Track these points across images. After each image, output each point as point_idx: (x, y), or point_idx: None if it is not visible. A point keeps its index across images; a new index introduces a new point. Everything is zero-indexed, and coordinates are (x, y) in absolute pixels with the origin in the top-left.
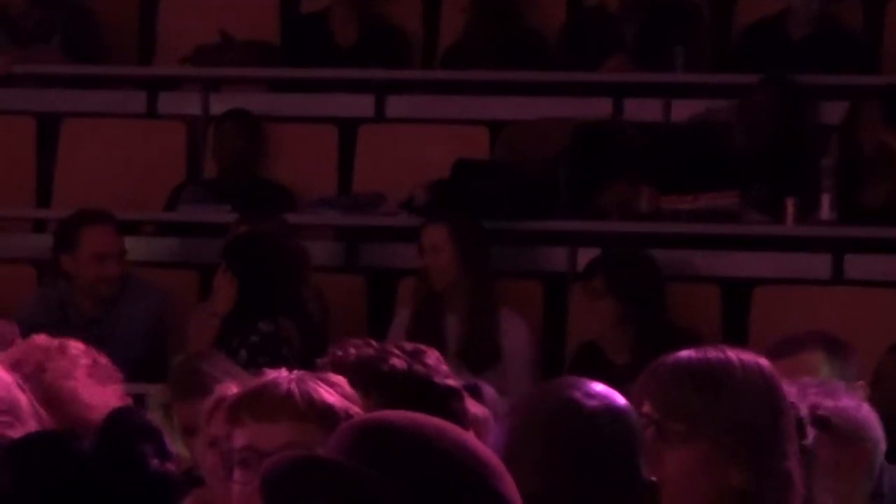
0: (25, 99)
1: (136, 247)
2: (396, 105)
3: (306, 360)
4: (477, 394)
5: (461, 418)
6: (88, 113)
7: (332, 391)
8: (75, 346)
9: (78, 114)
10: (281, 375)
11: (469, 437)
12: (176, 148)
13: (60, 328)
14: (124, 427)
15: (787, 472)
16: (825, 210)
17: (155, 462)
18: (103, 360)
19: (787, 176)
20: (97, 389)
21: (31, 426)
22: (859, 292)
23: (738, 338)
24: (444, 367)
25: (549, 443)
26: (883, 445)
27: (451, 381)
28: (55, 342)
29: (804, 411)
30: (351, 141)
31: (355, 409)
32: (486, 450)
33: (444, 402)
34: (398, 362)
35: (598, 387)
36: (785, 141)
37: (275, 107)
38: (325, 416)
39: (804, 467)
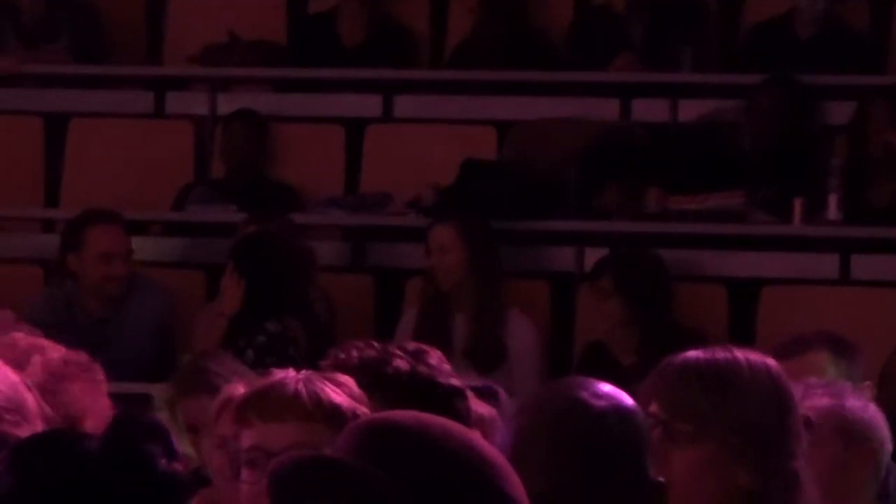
0: (33, 99)
1: (144, 247)
2: (404, 105)
3: (313, 361)
4: (493, 396)
5: (465, 418)
6: (96, 113)
7: (340, 391)
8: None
9: (85, 114)
10: (288, 375)
11: (475, 436)
12: (183, 148)
13: (67, 328)
14: (132, 427)
15: (795, 472)
16: (832, 210)
17: (163, 462)
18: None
19: (794, 176)
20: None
21: (38, 426)
22: (866, 292)
23: (745, 338)
24: (447, 367)
25: (556, 443)
26: (889, 445)
27: (454, 381)
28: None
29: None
30: (358, 141)
31: (363, 409)
32: (493, 450)
33: (449, 402)
34: (401, 363)
35: (606, 387)
36: (791, 141)
37: (282, 107)
38: (333, 416)
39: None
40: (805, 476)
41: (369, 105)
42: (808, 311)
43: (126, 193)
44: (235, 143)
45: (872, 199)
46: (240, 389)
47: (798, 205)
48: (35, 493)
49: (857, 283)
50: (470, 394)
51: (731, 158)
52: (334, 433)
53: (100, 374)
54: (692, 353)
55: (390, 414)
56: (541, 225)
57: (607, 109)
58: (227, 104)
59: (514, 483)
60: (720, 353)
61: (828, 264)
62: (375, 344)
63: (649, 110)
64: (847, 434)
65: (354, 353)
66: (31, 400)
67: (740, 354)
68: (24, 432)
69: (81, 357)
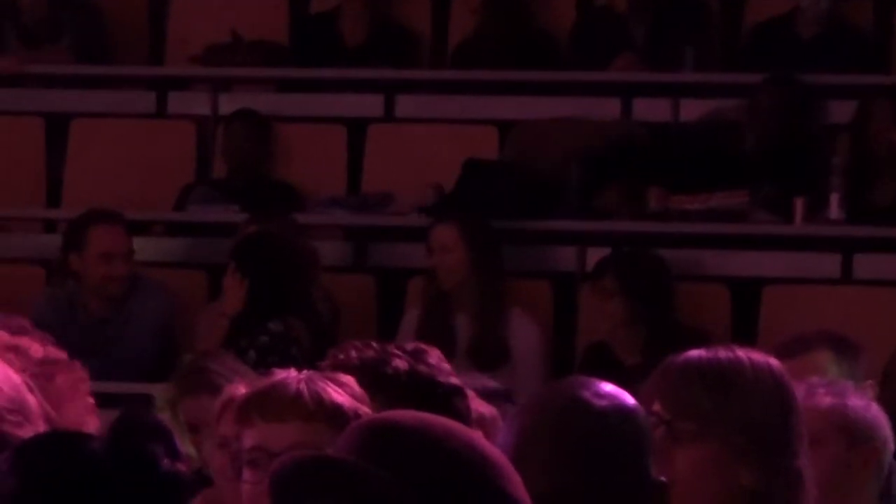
0: (35, 99)
1: (146, 247)
2: (405, 105)
3: (316, 361)
4: (510, 400)
5: (465, 416)
6: (97, 113)
7: (342, 391)
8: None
9: (87, 114)
10: (290, 375)
11: (477, 436)
12: (185, 148)
13: (69, 328)
14: (135, 427)
15: (798, 472)
16: (834, 209)
17: (166, 462)
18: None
19: (796, 175)
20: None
21: (41, 427)
22: (868, 292)
23: (747, 337)
24: (447, 366)
25: (557, 443)
26: (892, 445)
27: (454, 380)
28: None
29: None
30: (360, 141)
31: (364, 409)
32: (495, 450)
33: (448, 401)
34: (400, 363)
35: (608, 387)
36: (792, 140)
37: (284, 107)
38: (335, 416)
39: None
40: (808, 475)
41: (371, 105)
42: (810, 310)
43: (128, 193)
44: (237, 143)
45: (874, 199)
46: (242, 389)
47: (800, 204)
48: (38, 494)
49: (860, 283)
50: (471, 393)
51: (733, 158)
52: (336, 433)
53: (81, 373)
54: (694, 353)
55: (392, 414)
56: (542, 225)
57: (609, 109)
58: (228, 104)
59: (516, 483)
60: (723, 353)
61: (830, 264)
62: (374, 344)
63: (651, 110)
64: (849, 434)
65: (353, 354)
66: (32, 401)
67: (743, 354)
68: (26, 433)
69: (61, 355)
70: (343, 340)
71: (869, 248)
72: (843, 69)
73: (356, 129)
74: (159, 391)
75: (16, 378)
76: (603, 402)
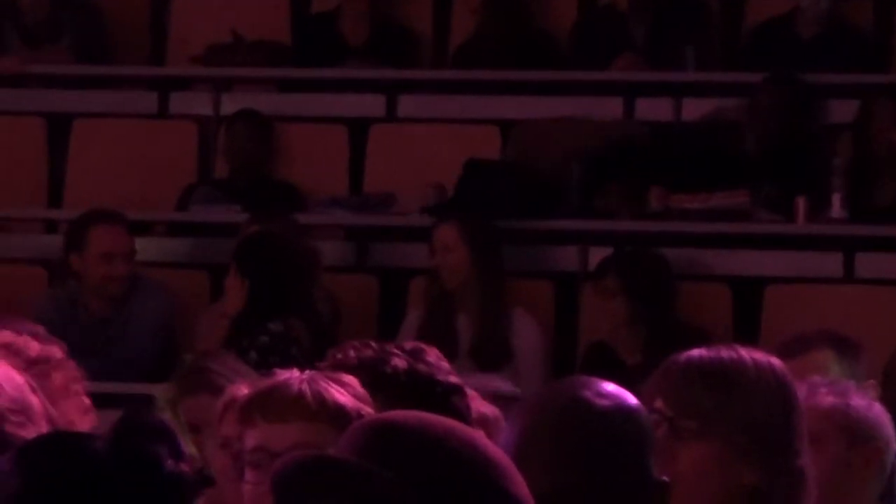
0: (36, 99)
1: (147, 247)
2: (407, 105)
3: (316, 361)
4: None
5: (465, 415)
6: (99, 113)
7: (344, 391)
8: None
9: (88, 114)
10: (292, 376)
11: (479, 436)
12: (187, 148)
13: (70, 328)
14: (138, 427)
15: (800, 470)
16: (836, 209)
17: (169, 463)
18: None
19: (798, 175)
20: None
21: (43, 427)
22: (870, 291)
23: (748, 337)
24: (446, 365)
25: (559, 442)
26: (894, 445)
27: (453, 379)
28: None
29: None
30: (362, 141)
31: (367, 410)
32: (497, 449)
33: (447, 400)
34: (399, 362)
35: (610, 386)
36: (793, 140)
37: (286, 107)
38: (337, 416)
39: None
40: (810, 474)
41: (373, 105)
42: (811, 310)
43: (129, 193)
44: (238, 143)
45: (876, 198)
46: (244, 390)
47: (802, 203)
48: (41, 494)
49: (861, 282)
50: (473, 393)
51: (734, 157)
52: (338, 434)
53: (75, 371)
54: (696, 352)
55: (393, 414)
56: (544, 224)
57: (610, 109)
58: (230, 104)
59: (518, 483)
60: (725, 352)
61: (832, 263)
62: (373, 344)
63: (652, 109)
64: (851, 433)
65: (352, 353)
66: (35, 401)
67: (745, 353)
68: (29, 433)
69: (57, 353)
70: (344, 341)
71: (871, 248)
72: (844, 69)
73: (358, 129)
74: (160, 391)
75: (19, 378)
76: (605, 402)
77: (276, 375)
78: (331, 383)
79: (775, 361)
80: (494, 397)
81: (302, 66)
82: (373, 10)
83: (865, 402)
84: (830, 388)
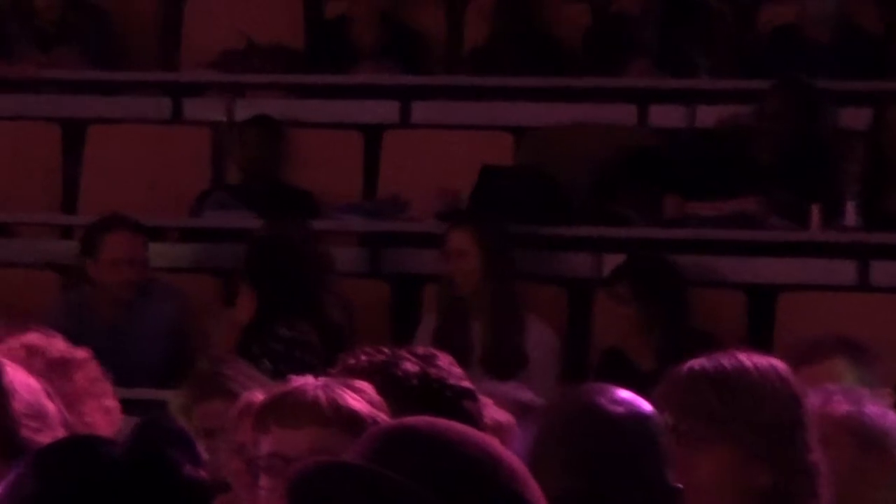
0: (51, 105)
1: (161, 252)
2: (421, 111)
3: (328, 366)
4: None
5: (476, 419)
6: (113, 119)
7: (359, 398)
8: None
9: (103, 120)
10: (307, 382)
11: (494, 442)
12: (201, 154)
13: (83, 333)
14: (156, 432)
15: (813, 466)
16: (850, 216)
17: (187, 468)
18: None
19: (812, 182)
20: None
21: (59, 433)
22: (884, 299)
23: (763, 344)
24: (458, 370)
25: (573, 448)
26: None
27: (465, 383)
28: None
29: None
30: (375, 147)
31: (382, 416)
32: (511, 455)
33: (459, 404)
34: (411, 366)
35: (624, 393)
36: (804, 145)
37: (299, 112)
38: (352, 422)
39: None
40: (823, 469)
41: (386, 111)
42: (825, 317)
43: (143, 199)
44: (252, 149)
45: (891, 205)
46: (259, 396)
47: (816, 210)
48: (58, 499)
49: (876, 290)
50: (487, 401)
51: (748, 164)
52: (353, 440)
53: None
54: (696, 362)
55: (408, 420)
56: (558, 231)
57: (624, 115)
58: (244, 110)
59: (533, 489)
60: (724, 358)
61: (846, 270)
62: (384, 349)
63: (666, 116)
64: (865, 441)
65: (364, 358)
66: (51, 407)
67: (744, 357)
68: (45, 439)
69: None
70: (356, 347)
71: (885, 256)
72: (858, 75)
73: (372, 134)
74: (172, 397)
75: (35, 384)
76: (619, 409)
77: (291, 381)
78: (346, 389)
79: (776, 362)
80: (514, 405)
81: (315, 71)
82: (386, 15)
83: (880, 410)
84: (845, 396)
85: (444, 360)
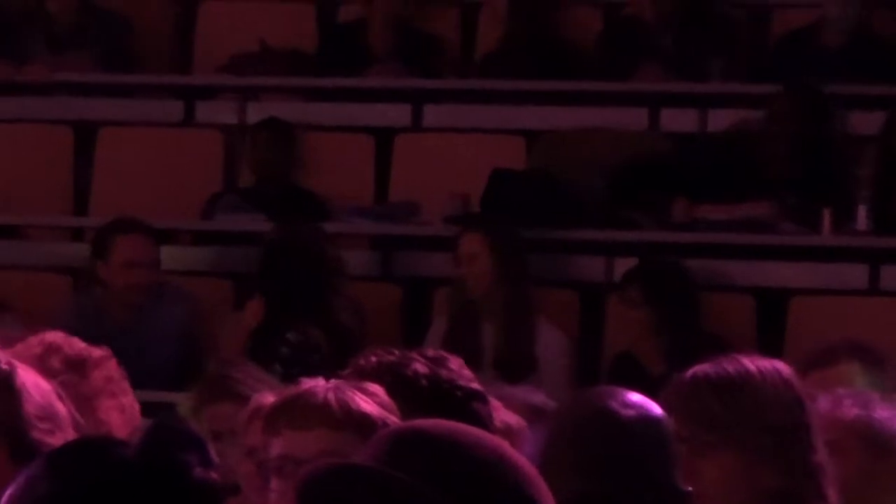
0: (63, 108)
1: (172, 255)
2: (432, 114)
3: (338, 370)
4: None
5: (486, 421)
6: (125, 121)
7: (370, 400)
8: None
9: (115, 122)
10: (317, 384)
11: (505, 445)
12: (212, 157)
13: (95, 336)
14: (167, 435)
15: (819, 467)
16: (861, 220)
17: (198, 470)
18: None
19: (823, 186)
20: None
21: (70, 435)
22: (895, 303)
23: (773, 348)
24: (468, 373)
25: (584, 451)
26: None
27: (474, 385)
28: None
29: None
30: (387, 150)
31: (393, 419)
32: (522, 458)
33: (469, 405)
34: (421, 368)
35: (635, 396)
36: (814, 149)
37: (311, 116)
38: (362, 425)
39: None
40: (828, 468)
41: (398, 114)
42: (837, 321)
43: (155, 202)
44: (263, 152)
45: None
46: (269, 398)
47: (827, 215)
48: (70, 501)
49: (887, 294)
50: (498, 404)
51: (759, 168)
52: (363, 442)
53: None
54: (699, 368)
55: (419, 422)
56: (569, 234)
57: (636, 119)
58: (256, 113)
59: (544, 491)
60: (727, 363)
61: (857, 275)
62: (395, 350)
63: (678, 120)
64: (875, 444)
65: (374, 359)
66: (62, 409)
67: (747, 361)
68: (56, 441)
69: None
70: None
71: None
72: (871, 80)
73: (383, 138)
74: (183, 399)
75: (46, 386)
76: (630, 412)
77: (302, 384)
78: (356, 392)
79: (779, 364)
80: (525, 409)
81: (327, 75)
82: (399, 19)
83: (889, 414)
84: (855, 400)
85: (455, 363)
